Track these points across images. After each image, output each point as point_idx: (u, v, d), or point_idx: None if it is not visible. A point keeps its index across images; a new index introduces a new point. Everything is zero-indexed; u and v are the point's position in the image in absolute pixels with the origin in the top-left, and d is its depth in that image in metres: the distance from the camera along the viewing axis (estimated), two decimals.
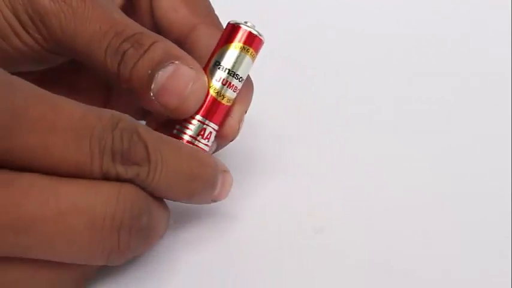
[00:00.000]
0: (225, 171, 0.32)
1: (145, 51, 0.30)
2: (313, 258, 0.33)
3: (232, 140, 0.33)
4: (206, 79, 0.31)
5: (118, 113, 0.27)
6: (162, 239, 0.32)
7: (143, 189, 0.28)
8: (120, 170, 0.27)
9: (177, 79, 0.30)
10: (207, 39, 0.33)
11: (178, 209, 0.33)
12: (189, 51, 0.32)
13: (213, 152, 0.34)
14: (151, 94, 0.30)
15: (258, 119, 0.40)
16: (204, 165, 0.30)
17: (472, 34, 0.54)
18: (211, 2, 0.36)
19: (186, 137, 0.31)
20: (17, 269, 0.26)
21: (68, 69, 0.35)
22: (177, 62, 0.30)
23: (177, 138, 0.30)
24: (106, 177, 0.27)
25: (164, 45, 0.31)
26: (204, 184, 0.30)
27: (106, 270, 0.31)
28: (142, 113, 0.37)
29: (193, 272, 0.33)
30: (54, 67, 0.34)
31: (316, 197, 0.37)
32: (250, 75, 0.33)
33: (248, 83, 0.33)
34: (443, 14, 0.57)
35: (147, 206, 0.28)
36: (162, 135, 0.29)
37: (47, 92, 0.27)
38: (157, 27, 0.35)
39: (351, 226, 0.35)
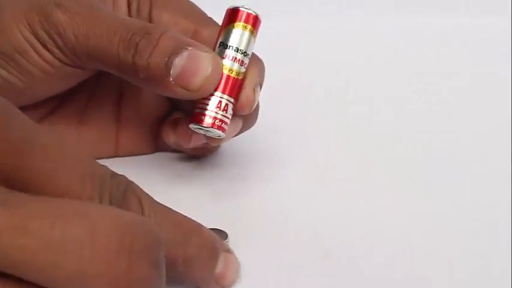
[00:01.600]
0: (228, 251, 0.31)
1: (157, 40, 0.33)
2: (320, 283, 0.32)
3: (251, 111, 0.35)
4: (220, 59, 0.34)
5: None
6: None
7: None
8: None
9: (197, 62, 0.33)
10: (210, 38, 0.36)
11: None
12: None
13: (238, 134, 0.36)
14: (171, 79, 0.33)
15: (265, 127, 0.40)
16: (197, 232, 0.29)
17: (472, 34, 0.54)
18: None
19: (208, 113, 0.34)
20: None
21: (76, 102, 0.38)
22: (189, 47, 0.33)
23: (201, 115, 0.34)
24: None
25: (173, 34, 0.34)
26: (200, 250, 0.29)
27: None
28: (152, 135, 0.40)
29: None
30: (62, 103, 0.38)
31: (323, 221, 0.36)
32: None
33: (256, 60, 0.36)
34: (443, 14, 0.57)
35: (162, 242, 0.25)
36: (153, 198, 0.28)
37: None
38: None
39: (359, 250, 0.34)
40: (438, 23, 0.56)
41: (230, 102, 0.34)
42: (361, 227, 0.35)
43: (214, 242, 0.30)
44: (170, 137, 0.38)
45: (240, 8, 0.34)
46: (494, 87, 0.48)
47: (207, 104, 0.34)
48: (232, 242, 0.33)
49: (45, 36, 0.34)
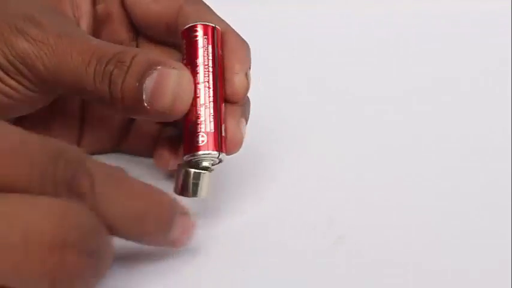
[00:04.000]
0: (184, 213, 0.30)
1: (128, 67, 0.31)
2: (333, 269, 0.32)
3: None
4: (189, 73, 0.32)
5: (64, 143, 0.26)
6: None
7: None
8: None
9: (162, 81, 0.31)
10: (195, 15, 0.34)
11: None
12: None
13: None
14: (146, 104, 0.31)
15: (274, 125, 0.40)
16: (156, 204, 0.29)
17: (472, 34, 0.54)
18: None
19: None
20: None
21: (39, 110, 0.36)
22: (159, 67, 0.31)
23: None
24: None
25: (144, 56, 0.32)
26: (156, 225, 0.29)
27: None
28: (117, 142, 0.39)
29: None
30: None
31: (336, 205, 0.37)
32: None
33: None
34: (443, 14, 0.56)
35: (98, 229, 0.26)
36: (111, 170, 0.28)
37: None
38: (142, 27, 0.37)
39: (371, 235, 0.34)
40: (436, 9, 0.56)
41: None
42: (373, 213, 0.36)
43: (171, 210, 0.29)
44: (170, 162, 0.36)
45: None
46: (494, 87, 0.48)
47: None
48: (242, 226, 0.34)
49: (9, 67, 0.32)
